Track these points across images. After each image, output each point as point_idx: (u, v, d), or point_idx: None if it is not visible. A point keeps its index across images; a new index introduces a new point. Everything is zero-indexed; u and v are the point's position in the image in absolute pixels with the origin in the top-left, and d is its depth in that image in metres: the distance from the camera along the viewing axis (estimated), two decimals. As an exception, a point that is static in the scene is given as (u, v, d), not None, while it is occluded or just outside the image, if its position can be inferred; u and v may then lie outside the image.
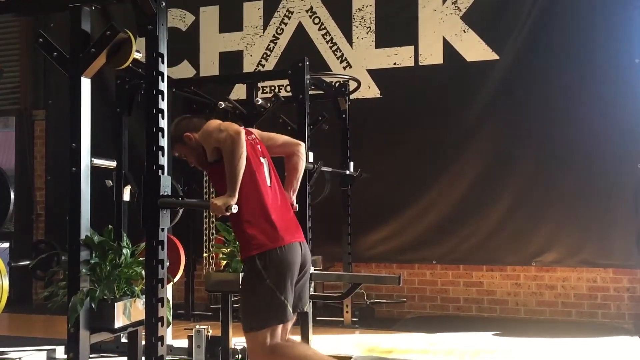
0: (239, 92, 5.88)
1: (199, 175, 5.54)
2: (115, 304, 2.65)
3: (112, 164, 4.17)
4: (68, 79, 2.71)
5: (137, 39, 2.67)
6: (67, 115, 2.70)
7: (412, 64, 5.81)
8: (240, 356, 3.85)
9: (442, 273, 5.75)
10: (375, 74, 5.91)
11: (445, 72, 5.70)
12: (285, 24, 6.20)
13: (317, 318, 5.09)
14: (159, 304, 2.54)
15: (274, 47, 6.22)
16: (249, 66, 6.27)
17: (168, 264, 2.72)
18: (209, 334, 3.91)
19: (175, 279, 4.25)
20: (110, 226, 2.81)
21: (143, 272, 2.68)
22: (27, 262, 4.97)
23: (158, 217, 2.56)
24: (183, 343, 4.09)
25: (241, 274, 3.12)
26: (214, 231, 5.30)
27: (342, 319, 5.23)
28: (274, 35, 6.23)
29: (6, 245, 6.57)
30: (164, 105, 2.61)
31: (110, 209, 4.09)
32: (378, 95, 5.91)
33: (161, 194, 2.56)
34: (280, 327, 2.78)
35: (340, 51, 6.03)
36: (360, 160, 5.38)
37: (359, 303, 5.50)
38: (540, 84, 5.42)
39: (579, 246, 5.31)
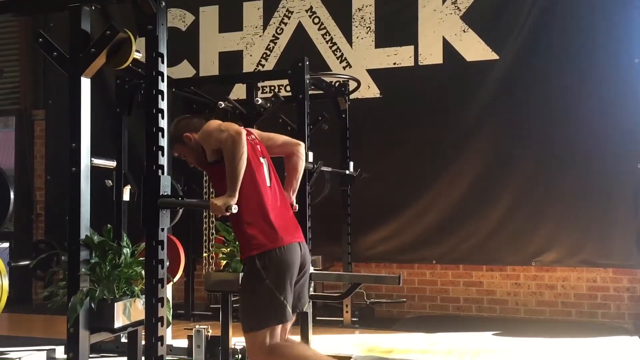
0: (238, 92, 5.88)
1: (198, 175, 5.54)
2: (115, 304, 2.65)
3: (112, 163, 4.17)
4: (68, 79, 2.71)
5: (137, 39, 2.67)
6: (67, 115, 2.70)
7: (412, 64, 5.81)
8: (240, 356, 3.85)
9: (442, 273, 5.75)
10: (375, 73, 5.91)
11: (445, 72, 5.70)
12: (285, 24, 6.20)
13: (317, 318, 5.09)
14: (159, 304, 2.54)
15: (273, 47, 6.22)
16: (248, 66, 6.27)
17: (168, 263, 2.72)
18: (209, 334, 3.91)
19: (175, 279, 4.25)
20: (109, 225, 2.81)
21: (143, 272, 2.68)
22: (27, 262, 4.97)
23: (158, 217, 2.56)
24: (183, 343, 4.09)
25: (241, 274, 3.12)
26: (213, 231, 5.30)
27: (341, 318, 5.23)
28: (273, 35, 6.23)
29: (6, 245, 6.57)
30: (163, 105, 2.61)
31: (110, 209, 4.09)
32: (378, 95, 5.91)
33: (161, 193, 2.56)
34: (279, 327, 2.78)
35: (340, 51, 6.03)
36: (360, 160, 5.38)
37: (359, 303, 5.50)
38: (540, 84, 5.42)
39: (579, 246, 5.31)
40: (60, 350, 4.05)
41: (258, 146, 2.97)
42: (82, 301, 2.57)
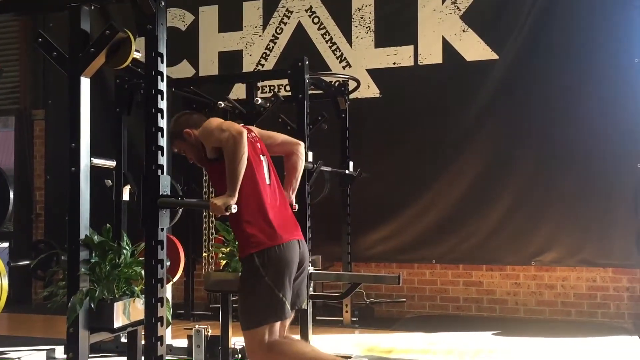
0: (238, 91, 5.87)
1: (198, 175, 5.54)
2: (115, 303, 2.65)
3: (112, 163, 4.17)
4: (67, 79, 2.71)
5: (137, 39, 2.67)
6: (67, 115, 2.70)
7: (412, 64, 5.81)
8: (239, 356, 3.85)
9: (442, 273, 5.75)
10: (374, 73, 5.91)
11: (444, 72, 5.70)
12: (285, 24, 6.20)
13: (317, 318, 5.09)
14: (159, 304, 2.54)
15: (273, 47, 6.22)
16: (248, 66, 6.27)
17: (168, 263, 2.72)
18: (209, 334, 3.91)
19: (175, 279, 4.25)
20: (108, 225, 2.81)
21: (142, 272, 2.68)
22: (27, 262, 4.97)
23: (157, 216, 2.56)
24: (183, 343, 4.09)
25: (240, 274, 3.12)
26: (213, 231, 5.30)
27: (341, 318, 5.23)
28: (273, 35, 6.23)
29: (6, 245, 6.56)
30: (163, 104, 2.61)
31: (109, 209, 4.09)
32: (377, 95, 5.91)
33: (160, 193, 2.56)
34: (278, 324, 2.78)
35: (340, 51, 6.03)
36: (359, 160, 5.38)
37: (359, 303, 5.50)
38: (540, 84, 5.42)
39: (578, 246, 5.31)
40: (60, 350, 4.05)
41: (258, 144, 2.97)
42: (81, 301, 2.57)
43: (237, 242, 3.05)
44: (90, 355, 2.70)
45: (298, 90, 4.08)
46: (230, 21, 6.35)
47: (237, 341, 3.78)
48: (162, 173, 2.58)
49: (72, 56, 2.70)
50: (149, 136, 2.58)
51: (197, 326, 3.93)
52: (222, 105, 4.67)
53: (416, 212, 5.72)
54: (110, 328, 2.68)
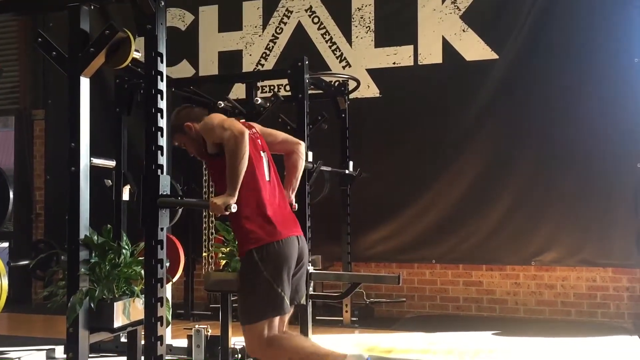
0: (238, 91, 5.87)
1: (198, 174, 5.54)
2: (115, 303, 2.65)
3: (112, 163, 4.17)
4: (67, 79, 2.71)
5: (136, 39, 2.67)
6: (67, 115, 2.70)
7: (412, 64, 5.81)
8: (239, 356, 3.85)
9: (442, 272, 5.75)
10: (374, 73, 5.91)
11: (444, 72, 5.70)
12: (285, 24, 6.20)
13: (317, 317, 5.09)
14: (159, 304, 2.54)
15: (273, 47, 6.22)
16: (248, 65, 6.27)
17: (167, 263, 2.72)
18: (209, 334, 3.91)
19: (175, 279, 4.25)
20: (109, 225, 2.81)
21: (142, 272, 2.68)
22: (27, 262, 4.97)
23: (157, 216, 2.56)
24: (182, 343, 4.09)
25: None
26: (213, 231, 5.30)
27: (341, 318, 5.23)
28: (273, 35, 6.23)
29: (5, 244, 6.57)
30: (163, 104, 2.61)
31: (109, 209, 4.08)
32: (377, 95, 5.91)
33: (160, 193, 2.56)
34: (277, 319, 2.79)
35: (340, 50, 6.03)
36: (359, 160, 5.38)
37: (359, 302, 5.50)
38: (540, 84, 5.42)
39: (578, 246, 5.31)
40: (59, 350, 4.05)
41: (259, 140, 2.99)
42: (81, 301, 2.57)
43: (236, 239, 3.05)
44: (90, 355, 2.69)
45: (298, 90, 4.08)
46: (230, 21, 6.35)
47: (237, 341, 3.78)
48: (162, 173, 2.58)
49: (72, 56, 2.70)
50: (149, 136, 2.58)
51: (197, 326, 3.93)
52: (222, 105, 4.67)
53: (416, 212, 5.72)
54: (110, 328, 2.68)
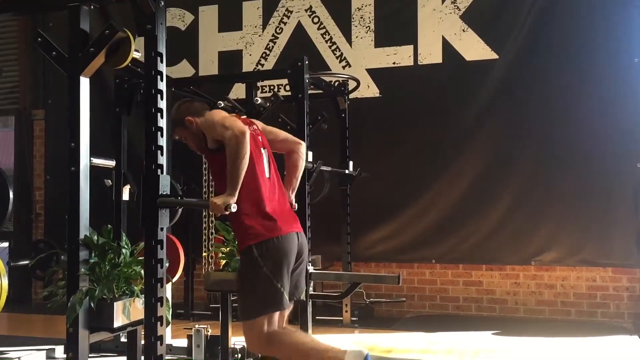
0: (238, 91, 5.87)
1: (198, 174, 5.54)
2: (115, 303, 2.65)
3: (111, 163, 4.17)
4: (67, 79, 2.71)
5: (136, 38, 2.67)
6: (66, 115, 2.70)
7: (412, 64, 5.81)
8: (239, 355, 3.85)
9: (442, 272, 5.75)
10: (374, 73, 5.91)
11: (444, 72, 5.70)
12: (285, 24, 6.20)
13: (317, 317, 5.09)
14: (158, 304, 2.54)
15: (273, 47, 6.22)
16: (248, 65, 6.27)
17: (167, 263, 2.72)
18: (209, 334, 3.91)
19: (175, 279, 4.25)
20: (109, 225, 2.81)
21: (142, 272, 2.68)
22: (27, 262, 4.97)
23: (157, 216, 2.56)
24: (182, 342, 4.09)
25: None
26: (213, 230, 5.30)
27: (341, 318, 5.23)
28: (273, 35, 6.23)
29: (5, 244, 6.56)
30: (163, 104, 2.61)
31: (109, 209, 4.08)
32: (377, 95, 5.91)
33: (160, 193, 2.56)
34: (277, 314, 2.80)
35: (340, 50, 6.03)
36: (359, 160, 5.38)
37: (359, 302, 5.50)
38: (540, 84, 5.42)
39: (578, 246, 5.31)
40: (59, 350, 4.05)
41: (259, 137, 2.99)
42: (81, 301, 2.57)
43: (235, 237, 3.04)
44: (90, 355, 2.70)
45: (298, 90, 4.08)
46: (230, 21, 6.35)
47: (237, 341, 3.78)
48: (162, 173, 2.58)
49: (72, 56, 2.70)
50: (149, 136, 2.59)
51: (196, 326, 3.93)
52: (222, 105, 4.66)
53: (416, 212, 5.71)
54: (110, 328, 2.68)
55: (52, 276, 5.07)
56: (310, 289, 4.17)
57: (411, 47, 5.81)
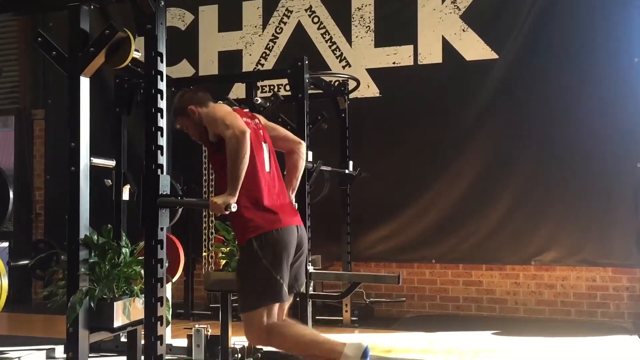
0: (238, 91, 5.88)
1: (198, 174, 5.54)
2: (115, 303, 2.65)
3: (111, 163, 4.17)
4: (67, 79, 2.71)
5: (136, 38, 2.67)
6: (66, 115, 2.70)
7: (412, 63, 5.80)
8: (239, 355, 3.85)
9: (442, 272, 5.75)
10: (374, 73, 5.91)
11: (444, 72, 5.70)
12: (285, 23, 6.20)
13: (317, 317, 5.09)
14: (158, 303, 2.54)
15: (273, 47, 6.22)
16: (248, 65, 6.27)
17: (167, 263, 2.72)
18: (209, 333, 3.91)
19: (175, 279, 4.25)
20: (109, 225, 2.81)
21: (142, 272, 2.68)
22: (27, 262, 4.97)
23: (157, 216, 2.56)
24: (182, 342, 4.09)
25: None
26: (213, 230, 5.30)
27: (341, 318, 5.23)
28: (273, 35, 6.23)
29: (5, 244, 6.56)
30: (163, 104, 2.62)
31: (109, 209, 4.08)
32: (377, 95, 5.91)
33: (160, 193, 2.57)
34: (276, 306, 2.80)
35: (340, 50, 6.03)
36: (359, 160, 5.38)
37: (359, 302, 5.50)
38: (540, 84, 5.42)
39: (578, 246, 5.31)
40: (59, 350, 4.04)
41: (261, 131, 3.00)
42: (81, 301, 2.57)
43: (235, 230, 3.03)
44: (90, 355, 2.70)
45: (298, 89, 4.08)
46: (230, 21, 6.35)
47: (237, 341, 3.78)
48: (162, 172, 2.59)
49: (72, 56, 2.70)
50: (149, 136, 2.59)
51: (196, 326, 3.93)
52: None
53: (416, 212, 5.71)
54: (110, 327, 2.68)
55: (52, 276, 5.07)
56: (310, 289, 4.17)
57: (411, 47, 5.81)
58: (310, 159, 4.11)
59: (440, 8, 5.74)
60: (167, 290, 3.36)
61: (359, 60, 5.96)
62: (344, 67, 5.98)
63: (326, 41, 6.07)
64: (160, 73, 2.61)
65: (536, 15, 5.43)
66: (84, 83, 2.71)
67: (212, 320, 4.80)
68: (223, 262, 3.70)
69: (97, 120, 2.94)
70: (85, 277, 2.65)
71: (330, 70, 5.88)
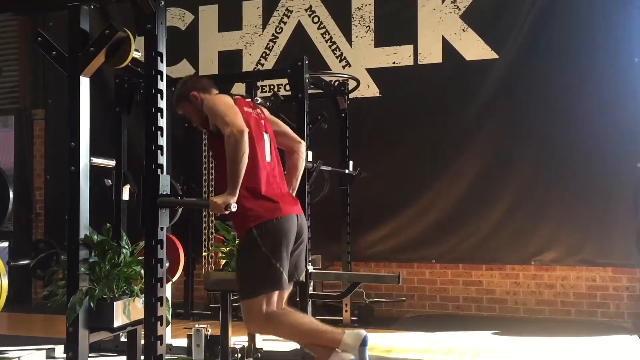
0: (238, 91, 5.86)
1: (198, 174, 5.54)
2: (115, 303, 2.65)
3: (111, 163, 4.17)
4: (67, 78, 2.71)
5: (136, 38, 2.67)
6: (66, 115, 2.70)
7: (412, 63, 5.80)
8: (239, 355, 3.85)
9: (442, 272, 5.75)
10: (374, 73, 5.91)
11: (444, 72, 5.70)
12: (285, 23, 6.20)
13: (317, 317, 5.06)
14: (158, 303, 2.54)
15: (273, 46, 6.22)
16: (248, 65, 6.27)
17: (167, 263, 2.72)
18: (208, 333, 3.91)
19: (175, 278, 4.25)
20: (108, 225, 2.81)
21: (142, 271, 2.68)
22: (27, 262, 4.97)
23: (157, 216, 2.56)
24: (182, 342, 4.09)
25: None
26: (213, 230, 5.30)
27: (341, 318, 5.22)
28: (273, 34, 6.23)
29: (5, 244, 6.56)
30: (163, 104, 2.62)
31: (109, 208, 4.09)
32: (377, 95, 5.91)
33: (160, 193, 2.56)
34: (276, 294, 2.81)
35: (340, 50, 6.03)
36: (359, 160, 5.38)
37: (358, 302, 5.50)
38: (540, 84, 5.41)
39: (578, 245, 5.31)
40: (59, 350, 4.04)
41: (262, 121, 3.00)
42: (81, 300, 2.57)
43: (235, 220, 3.00)
44: (89, 355, 2.70)
45: (298, 89, 4.09)
46: (230, 20, 6.35)
47: (237, 340, 3.78)
48: (162, 172, 2.59)
49: (72, 56, 2.70)
50: (149, 135, 2.59)
51: (196, 325, 3.93)
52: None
53: (416, 212, 5.71)
54: (110, 327, 2.68)
55: (52, 276, 5.07)
56: (310, 288, 4.17)
57: (411, 46, 5.81)
58: (310, 158, 4.11)
59: (440, 8, 5.74)
60: (167, 290, 3.36)
61: (359, 60, 5.95)
62: (344, 67, 5.98)
63: (326, 41, 6.07)
64: (160, 73, 2.61)
65: (536, 15, 5.43)
66: (84, 83, 2.71)
67: (212, 320, 4.79)
68: (223, 262, 3.70)
69: (97, 120, 2.94)
70: (85, 277, 2.65)
71: (330, 70, 5.88)
